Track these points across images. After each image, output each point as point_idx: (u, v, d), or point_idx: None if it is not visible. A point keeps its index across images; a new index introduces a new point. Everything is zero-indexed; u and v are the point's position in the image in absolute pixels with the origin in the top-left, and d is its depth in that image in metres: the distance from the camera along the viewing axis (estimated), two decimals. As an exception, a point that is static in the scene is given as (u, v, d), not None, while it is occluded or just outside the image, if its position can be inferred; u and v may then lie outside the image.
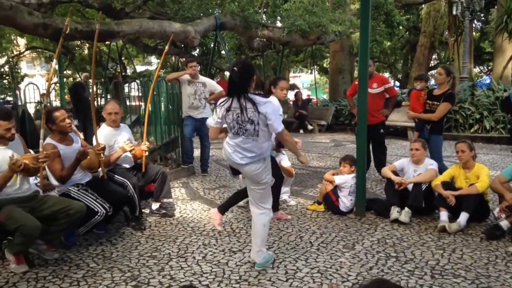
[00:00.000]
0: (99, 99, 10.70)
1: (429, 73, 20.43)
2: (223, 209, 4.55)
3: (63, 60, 9.32)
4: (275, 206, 4.58)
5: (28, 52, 22.36)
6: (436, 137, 5.81)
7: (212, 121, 3.77)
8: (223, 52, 17.62)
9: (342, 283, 3.43)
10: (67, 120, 4.27)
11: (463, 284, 3.37)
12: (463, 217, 4.52)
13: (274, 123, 3.40)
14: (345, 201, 5.18)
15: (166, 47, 5.58)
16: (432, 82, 14.06)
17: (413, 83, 7.18)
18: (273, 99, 3.90)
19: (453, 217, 4.66)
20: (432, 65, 23.55)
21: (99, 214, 4.16)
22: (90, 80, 18.12)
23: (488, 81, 16.47)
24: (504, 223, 4.31)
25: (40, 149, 3.84)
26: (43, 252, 3.91)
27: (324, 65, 27.51)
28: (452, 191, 4.66)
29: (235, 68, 3.48)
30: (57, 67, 4.80)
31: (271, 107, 3.42)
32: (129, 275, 3.61)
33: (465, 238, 4.36)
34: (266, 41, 15.90)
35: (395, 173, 5.19)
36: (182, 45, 16.06)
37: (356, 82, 5.79)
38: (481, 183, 4.58)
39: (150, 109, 5.42)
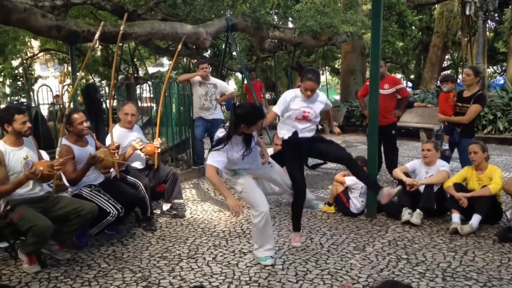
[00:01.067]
0: (111, 100, 10.75)
1: (441, 73, 20.23)
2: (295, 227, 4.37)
3: (76, 62, 9.37)
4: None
5: (41, 54, 22.59)
6: (467, 140, 5.63)
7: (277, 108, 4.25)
8: (234, 53, 17.65)
9: (352, 285, 3.41)
10: (84, 124, 4.33)
11: (475, 287, 3.34)
12: (476, 219, 4.47)
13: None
14: (356, 202, 5.15)
15: (179, 47, 5.60)
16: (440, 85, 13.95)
17: (426, 85, 7.08)
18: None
19: (465, 219, 4.61)
20: (445, 65, 23.34)
21: (111, 214, 4.20)
22: (103, 82, 18.14)
23: (502, 81, 16.27)
24: (517, 225, 4.26)
25: (56, 156, 3.89)
26: (55, 253, 3.95)
27: (336, 66, 27.41)
28: (464, 193, 4.62)
29: None
30: (70, 69, 4.86)
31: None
32: (140, 276, 3.63)
33: (477, 240, 4.32)
34: (277, 42, 15.86)
35: (407, 174, 5.16)
36: (194, 47, 16.11)
37: (368, 83, 5.76)
38: (494, 184, 4.53)
39: (161, 109, 5.45)
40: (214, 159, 3.56)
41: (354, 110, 14.42)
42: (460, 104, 5.61)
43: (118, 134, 4.88)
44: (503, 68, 22.90)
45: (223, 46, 15.37)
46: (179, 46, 5.66)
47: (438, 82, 15.64)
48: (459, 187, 4.74)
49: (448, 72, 21.10)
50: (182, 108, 7.47)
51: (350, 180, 5.25)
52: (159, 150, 5.04)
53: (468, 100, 5.51)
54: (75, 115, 4.29)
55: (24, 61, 21.14)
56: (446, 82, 5.98)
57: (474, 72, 5.57)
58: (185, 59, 21.76)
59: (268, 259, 3.82)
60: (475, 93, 5.49)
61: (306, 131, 4.29)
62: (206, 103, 7.07)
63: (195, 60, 7.46)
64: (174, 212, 5.23)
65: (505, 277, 3.50)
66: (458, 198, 4.57)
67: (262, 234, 3.79)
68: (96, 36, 4.36)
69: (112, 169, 4.80)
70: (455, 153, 5.84)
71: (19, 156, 3.74)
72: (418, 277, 3.54)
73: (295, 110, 4.21)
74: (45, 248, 3.92)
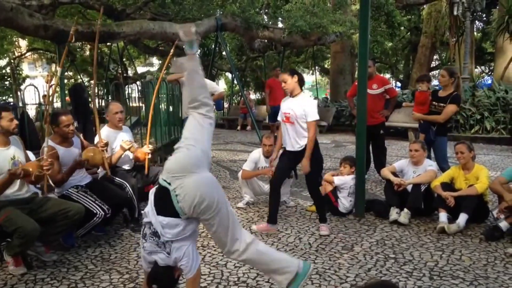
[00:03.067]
0: (100, 100, 10.73)
1: (431, 73, 20.39)
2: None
3: (65, 61, 9.32)
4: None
5: (29, 53, 22.40)
6: (441, 138, 5.76)
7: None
8: (224, 53, 17.63)
9: (340, 284, 3.42)
10: (71, 127, 4.28)
11: (461, 286, 3.36)
12: (462, 218, 4.51)
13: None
14: (345, 202, 5.17)
15: (171, 51, 5.58)
16: (434, 82, 14.03)
17: (415, 85, 7.14)
18: None
19: (452, 218, 4.65)
20: (434, 65, 23.52)
21: (97, 216, 4.16)
22: (92, 82, 18.01)
23: (489, 81, 16.42)
24: (503, 224, 4.30)
25: (44, 156, 3.85)
26: (42, 254, 3.91)
27: (325, 66, 27.49)
28: (451, 192, 4.66)
29: None
30: (59, 70, 4.79)
31: None
32: (127, 277, 3.61)
33: (464, 239, 4.35)
34: (267, 42, 15.90)
35: (395, 174, 5.19)
36: (183, 46, 16.08)
37: (356, 83, 5.79)
38: (481, 184, 4.58)
39: (150, 110, 5.43)
40: None
41: (344, 110, 14.47)
42: (436, 103, 5.74)
43: (106, 135, 4.84)
44: (491, 68, 23.13)
45: (213, 46, 15.36)
46: (172, 50, 5.63)
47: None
48: (446, 186, 4.78)
49: (435, 72, 21.29)
50: (171, 108, 7.45)
51: (339, 180, 5.27)
52: (149, 156, 5.01)
53: (444, 100, 5.66)
54: (63, 117, 4.23)
55: (12, 61, 20.94)
56: (422, 82, 6.09)
57: (449, 73, 5.71)
58: (174, 59, 21.69)
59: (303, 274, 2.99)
60: (451, 94, 5.63)
61: None
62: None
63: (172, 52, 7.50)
64: (163, 212, 5.20)
65: (491, 276, 3.53)
66: (445, 197, 4.61)
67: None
68: (72, 30, 4.29)
69: (99, 170, 4.76)
70: (449, 152, 5.89)
71: (7, 155, 3.71)
72: (405, 276, 3.56)
73: None
74: (31, 249, 3.88)
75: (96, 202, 4.22)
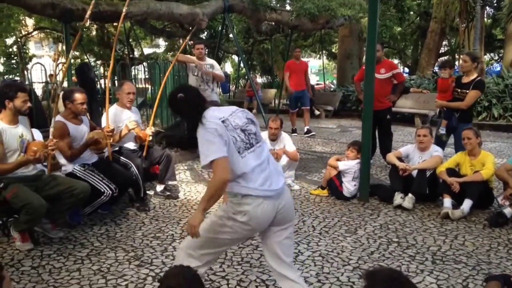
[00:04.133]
0: (106, 80, 10.68)
1: (438, 59, 20.16)
2: None
3: (71, 41, 9.25)
4: None
5: (36, 32, 22.32)
6: (464, 125, 5.67)
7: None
8: (231, 35, 17.51)
9: (343, 266, 3.45)
10: (84, 106, 4.31)
11: (464, 270, 3.38)
12: (467, 204, 4.51)
13: None
14: (349, 186, 5.18)
15: (187, 38, 5.55)
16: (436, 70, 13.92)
17: (423, 71, 7.05)
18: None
19: (457, 204, 4.65)
20: (442, 51, 23.27)
21: (105, 194, 4.20)
22: (98, 62, 17.96)
23: (498, 68, 16.26)
24: (507, 211, 4.30)
25: (50, 136, 3.89)
26: (48, 231, 3.97)
27: (333, 50, 27.27)
28: (456, 178, 4.65)
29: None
30: (64, 48, 4.79)
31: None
32: (132, 255, 3.65)
33: (467, 225, 4.36)
34: (274, 24, 15.73)
35: (400, 159, 5.18)
36: (190, 28, 15.98)
37: (364, 67, 5.74)
38: (486, 170, 4.56)
39: (157, 91, 5.44)
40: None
41: (350, 95, 14.41)
42: (459, 90, 5.61)
43: (113, 113, 4.86)
44: (500, 55, 22.86)
45: (220, 28, 15.24)
46: (188, 38, 5.57)
47: (436, 68, 15.63)
48: (452, 172, 4.77)
49: (445, 58, 21.06)
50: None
51: (344, 165, 5.28)
52: (150, 138, 5.02)
53: (467, 86, 5.52)
54: (78, 95, 4.26)
55: (18, 40, 20.89)
56: (445, 68, 5.96)
57: (471, 58, 5.57)
58: (181, 40, 21.57)
59: None
60: (474, 79, 5.50)
61: None
62: (203, 85, 6.99)
63: (191, 42, 7.33)
64: (168, 193, 5.24)
65: (494, 261, 3.54)
66: (450, 183, 4.60)
67: None
68: (87, 15, 4.30)
69: (105, 150, 4.79)
70: (451, 138, 5.85)
71: (15, 134, 3.73)
72: (408, 260, 3.58)
73: None
74: (38, 226, 3.94)
75: (104, 181, 4.26)
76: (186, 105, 2.47)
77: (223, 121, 2.39)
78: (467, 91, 5.51)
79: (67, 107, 4.32)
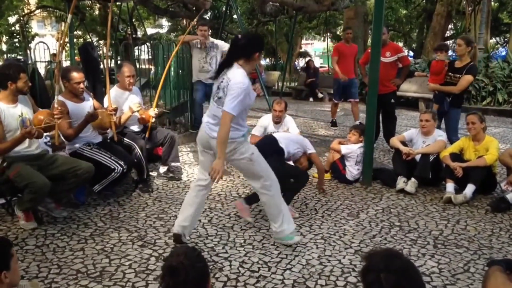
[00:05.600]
0: (109, 60, 10.60)
1: (445, 42, 20.01)
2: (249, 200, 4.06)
3: (74, 20, 9.20)
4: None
5: (38, 11, 22.20)
6: (455, 110, 5.69)
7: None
8: (235, 16, 17.36)
9: (344, 249, 3.47)
10: (81, 85, 4.27)
11: (465, 255, 3.39)
12: (470, 189, 4.51)
13: (226, 101, 3.10)
14: (352, 170, 5.18)
15: (195, 20, 5.49)
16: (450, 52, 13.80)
17: (429, 54, 7.01)
18: (237, 77, 3.14)
19: (459, 189, 4.65)
20: (448, 35, 23.04)
21: (116, 171, 4.21)
22: (101, 42, 17.85)
23: (504, 53, 16.11)
24: (510, 196, 4.30)
25: (55, 105, 3.87)
26: (52, 210, 3.99)
27: (338, 32, 27.05)
28: (460, 163, 4.64)
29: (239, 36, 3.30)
30: (69, 17, 4.71)
31: (231, 84, 3.11)
32: (136, 235, 3.68)
33: (470, 210, 4.37)
34: (279, 6, 15.60)
35: (404, 143, 5.17)
36: (194, 8, 15.83)
37: (369, 50, 5.70)
38: (490, 155, 4.55)
39: (161, 72, 5.41)
40: (234, 105, 3.06)
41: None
42: (452, 74, 5.64)
43: (114, 95, 4.84)
44: (506, 39, 22.64)
45: (224, 9, 15.11)
46: (195, 19, 5.49)
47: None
48: (455, 157, 4.76)
49: (450, 42, 20.87)
50: (181, 71, 7.39)
51: (346, 148, 5.27)
52: (154, 119, 5.01)
53: (460, 71, 5.55)
54: (74, 74, 4.23)
55: (21, 18, 20.78)
56: (441, 51, 5.95)
57: (465, 42, 5.58)
58: (184, 21, 21.41)
59: (294, 236, 3.48)
60: (467, 64, 5.52)
61: None
62: (206, 66, 6.95)
63: (195, 22, 7.25)
64: (171, 174, 5.26)
65: (496, 246, 3.55)
66: (454, 168, 4.60)
67: (279, 205, 3.39)
68: None
69: (108, 130, 4.79)
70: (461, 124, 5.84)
71: (14, 113, 3.72)
72: (409, 244, 3.59)
73: None
74: (42, 205, 3.96)
75: (112, 157, 4.26)
76: None
77: None
78: (460, 75, 5.52)
79: (65, 86, 4.30)
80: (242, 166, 3.40)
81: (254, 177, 3.39)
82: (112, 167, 4.21)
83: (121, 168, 4.23)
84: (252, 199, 3.95)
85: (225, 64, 3.26)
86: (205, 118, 3.44)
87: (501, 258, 3.24)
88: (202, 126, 3.47)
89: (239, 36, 3.35)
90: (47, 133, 4.04)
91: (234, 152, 3.30)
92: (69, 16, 4.67)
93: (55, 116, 3.72)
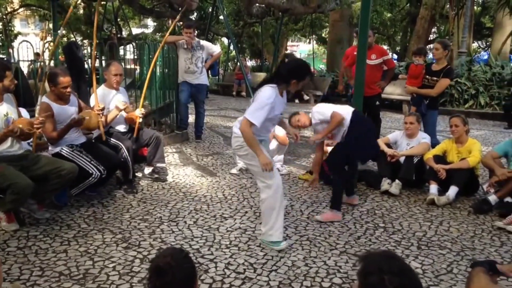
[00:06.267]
0: (91, 60, 10.48)
1: (428, 46, 20.22)
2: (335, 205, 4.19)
3: (58, 20, 9.07)
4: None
5: (22, 9, 21.90)
6: (432, 112, 5.81)
7: None
8: (221, 17, 17.34)
9: (330, 251, 3.48)
10: (69, 89, 4.22)
11: (449, 256, 3.43)
12: (452, 190, 4.57)
13: (249, 108, 3.35)
14: (337, 171, 5.19)
15: (177, 18, 5.47)
16: (430, 56, 13.96)
17: (411, 57, 7.06)
18: (265, 91, 3.37)
19: (442, 191, 4.71)
20: (431, 38, 23.32)
21: (93, 176, 4.17)
22: (85, 41, 17.67)
23: (486, 56, 16.37)
24: (492, 198, 4.36)
25: (36, 114, 3.82)
26: (34, 212, 3.93)
27: (323, 35, 27.20)
28: (443, 165, 4.70)
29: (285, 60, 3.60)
30: (51, 26, 4.67)
31: (258, 96, 3.38)
32: (120, 237, 3.64)
33: (453, 211, 4.42)
34: (265, 7, 15.63)
35: (388, 145, 5.21)
36: (180, 8, 15.79)
37: (355, 52, 5.73)
38: (473, 158, 4.61)
39: (146, 72, 5.37)
40: (256, 115, 3.27)
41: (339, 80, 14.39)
42: (429, 77, 5.76)
43: (101, 94, 4.80)
44: (488, 43, 23.00)
45: (210, 10, 15.09)
46: (178, 16, 5.50)
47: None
48: (439, 159, 4.81)
49: (430, 45, 21.11)
50: (166, 71, 7.35)
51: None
52: (140, 119, 4.97)
53: (438, 74, 5.69)
54: (62, 78, 4.15)
55: (4, 16, 20.47)
56: (419, 55, 6.06)
57: (443, 46, 5.72)
58: (170, 21, 21.32)
59: (281, 243, 3.49)
60: (445, 67, 5.66)
61: None
62: (192, 67, 6.94)
63: (181, 23, 7.18)
64: (156, 175, 5.22)
65: (478, 247, 3.60)
66: (437, 170, 4.65)
67: (274, 209, 3.43)
68: None
69: (94, 131, 4.74)
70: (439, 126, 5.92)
71: (0, 113, 3.67)
72: (394, 245, 3.62)
73: None
74: (24, 206, 3.90)
75: (92, 162, 4.22)
76: None
77: None
78: (437, 78, 5.66)
79: (51, 90, 4.23)
80: (246, 161, 3.53)
81: (256, 174, 3.51)
82: (90, 172, 4.16)
83: (99, 174, 4.19)
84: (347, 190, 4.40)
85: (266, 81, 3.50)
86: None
87: (484, 259, 3.29)
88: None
89: (286, 61, 3.62)
90: (28, 141, 3.98)
91: (241, 147, 3.46)
92: (61, 29, 4.63)
93: (35, 126, 3.66)
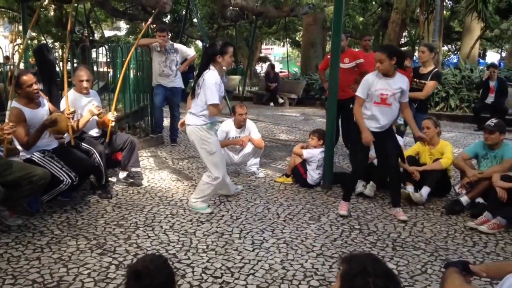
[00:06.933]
0: (63, 63, 10.25)
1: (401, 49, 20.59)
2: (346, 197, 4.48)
3: (27, 21, 8.87)
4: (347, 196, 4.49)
5: (-10, 11, 21.34)
6: (421, 115, 5.81)
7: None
8: (195, 20, 17.26)
9: (307, 253, 3.50)
10: (35, 86, 4.10)
11: (423, 256, 3.50)
12: (425, 190, 4.67)
13: (207, 97, 4.07)
14: (313, 174, 5.24)
15: (149, 20, 5.42)
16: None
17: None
18: (209, 76, 4.10)
19: (417, 192, 4.79)
20: (403, 42, 23.74)
21: (64, 183, 4.08)
22: (56, 43, 17.33)
23: (455, 60, 16.77)
24: (464, 199, 4.47)
25: (6, 120, 3.71)
26: (6, 218, 3.82)
27: (297, 38, 27.38)
28: (417, 167, 4.79)
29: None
30: (29, 32, 4.55)
31: (205, 83, 4.08)
32: (94, 243, 3.58)
33: (426, 213, 4.51)
34: (239, 10, 15.64)
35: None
36: (153, 11, 15.67)
37: (329, 56, 5.79)
38: (445, 159, 4.72)
39: (119, 75, 5.29)
40: (214, 97, 4.06)
41: (314, 83, 14.53)
42: (417, 80, 5.77)
43: (72, 99, 4.70)
44: (457, 47, 23.56)
45: (184, 12, 15.02)
46: (150, 19, 5.45)
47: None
48: (412, 160, 4.91)
49: (405, 48, 21.51)
50: (140, 74, 7.28)
51: (307, 153, 5.33)
52: (113, 123, 4.89)
53: (425, 77, 5.69)
54: (24, 77, 4.05)
55: (-29, 18, 19.91)
56: (406, 59, 6.08)
57: (429, 49, 5.77)
58: (143, 24, 21.11)
59: (207, 208, 4.34)
60: (432, 70, 5.68)
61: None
62: (166, 70, 6.90)
63: (154, 25, 7.08)
64: (131, 180, 5.15)
65: (451, 248, 3.68)
66: (411, 172, 4.74)
67: (208, 192, 4.30)
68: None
69: (65, 135, 4.65)
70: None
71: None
72: (369, 246, 3.67)
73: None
74: (-5, 213, 3.79)
75: (63, 168, 4.13)
76: None
77: None
78: (425, 81, 5.69)
79: (18, 93, 4.11)
80: (201, 146, 4.23)
81: (207, 162, 4.29)
82: (61, 179, 4.07)
83: (70, 181, 4.10)
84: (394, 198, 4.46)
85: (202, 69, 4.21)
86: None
87: (457, 259, 3.36)
88: None
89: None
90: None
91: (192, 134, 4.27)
92: (29, 31, 4.51)
93: (5, 131, 3.57)
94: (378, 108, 4.23)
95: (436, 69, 5.73)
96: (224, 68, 4.23)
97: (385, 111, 4.23)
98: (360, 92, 4.32)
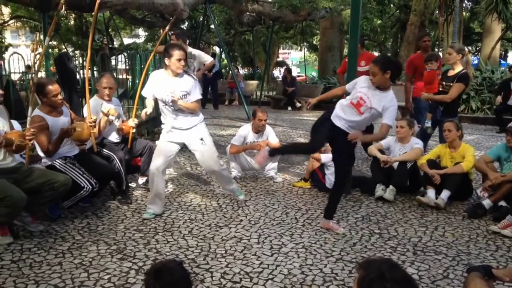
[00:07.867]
0: (85, 71, 10.44)
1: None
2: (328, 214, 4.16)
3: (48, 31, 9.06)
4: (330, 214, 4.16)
5: (12, 21, 21.82)
6: (448, 119, 5.65)
7: None
8: (212, 26, 17.39)
9: (326, 258, 3.48)
10: (60, 96, 4.20)
11: (444, 261, 3.44)
12: (444, 194, 4.59)
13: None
14: (332, 178, 5.19)
15: (167, 28, 5.47)
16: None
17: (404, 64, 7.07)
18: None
19: (438, 195, 4.72)
20: (422, 44, 23.49)
21: (85, 189, 4.14)
22: (77, 52, 17.64)
23: (476, 61, 16.53)
24: (486, 202, 4.39)
25: (27, 126, 3.79)
26: (28, 224, 3.90)
27: (314, 42, 27.35)
28: (437, 170, 4.72)
29: None
30: (46, 40, 4.63)
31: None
32: (115, 248, 3.62)
33: (447, 216, 4.44)
34: (256, 16, 15.70)
35: (381, 151, 5.23)
36: (171, 18, 15.83)
37: (347, 60, 5.76)
38: (467, 162, 4.64)
39: (138, 82, 5.36)
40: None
41: (331, 87, 14.46)
42: (444, 83, 5.58)
43: (94, 105, 4.77)
44: (478, 48, 23.24)
45: (201, 19, 15.14)
46: (167, 27, 5.51)
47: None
48: (433, 163, 4.84)
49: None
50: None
51: (326, 157, 5.30)
52: (134, 130, 4.94)
53: (452, 79, 5.46)
54: (50, 87, 4.15)
55: (-6, 28, 20.41)
56: (431, 62, 5.99)
57: (455, 50, 5.46)
58: (161, 30, 21.34)
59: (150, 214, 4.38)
60: (459, 72, 5.41)
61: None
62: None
63: (172, 32, 7.18)
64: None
65: (473, 252, 3.62)
66: (432, 175, 4.67)
67: (151, 185, 4.39)
68: (62, 0, 4.18)
69: (87, 142, 4.71)
70: (436, 131, 5.87)
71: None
72: (389, 251, 3.63)
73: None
74: (18, 219, 3.86)
75: (84, 175, 4.19)
76: None
77: None
78: (451, 84, 5.48)
79: (43, 102, 4.21)
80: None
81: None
82: (82, 185, 4.13)
83: (90, 187, 4.16)
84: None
85: None
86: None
87: (479, 264, 3.30)
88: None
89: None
90: (22, 154, 3.95)
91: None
92: (47, 39, 4.59)
93: (27, 138, 3.64)
94: (349, 108, 3.90)
95: (463, 71, 5.44)
96: (176, 71, 4.22)
97: (353, 115, 3.87)
98: (348, 84, 4.19)
